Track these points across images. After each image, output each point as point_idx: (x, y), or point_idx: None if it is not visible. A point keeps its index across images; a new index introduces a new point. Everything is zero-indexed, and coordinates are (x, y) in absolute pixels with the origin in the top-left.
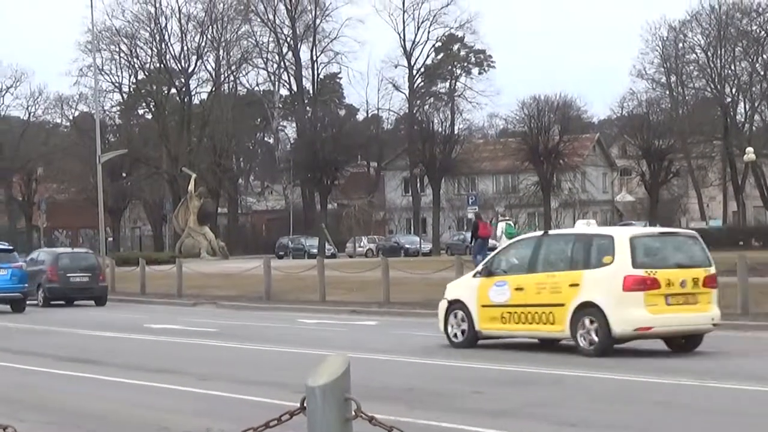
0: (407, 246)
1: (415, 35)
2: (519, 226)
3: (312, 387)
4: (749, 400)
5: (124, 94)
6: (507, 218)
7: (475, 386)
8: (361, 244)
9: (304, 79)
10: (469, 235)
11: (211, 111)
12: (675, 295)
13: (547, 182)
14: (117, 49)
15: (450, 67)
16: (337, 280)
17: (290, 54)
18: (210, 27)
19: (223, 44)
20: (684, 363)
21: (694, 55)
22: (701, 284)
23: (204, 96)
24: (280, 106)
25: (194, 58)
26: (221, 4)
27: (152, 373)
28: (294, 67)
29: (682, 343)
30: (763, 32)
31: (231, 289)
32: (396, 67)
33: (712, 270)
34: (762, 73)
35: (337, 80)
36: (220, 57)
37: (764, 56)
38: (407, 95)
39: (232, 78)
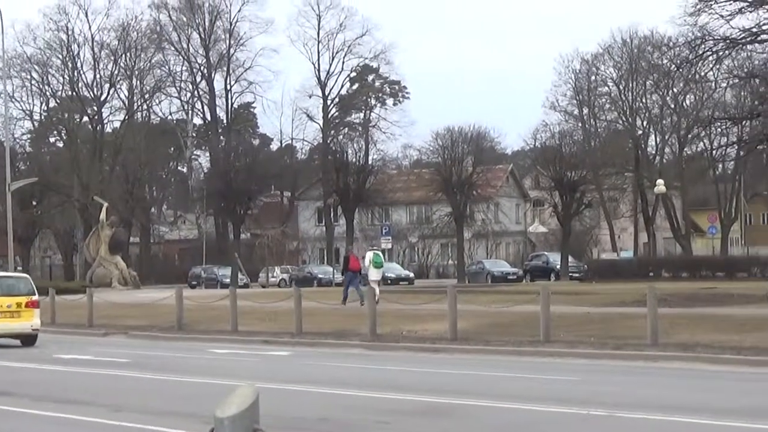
0: (320, 276)
1: (330, 65)
2: (432, 257)
3: (221, 418)
4: (651, 429)
5: (35, 122)
6: (375, 248)
7: (384, 416)
8: (274, 274)
9: (217, 109)
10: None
11: (124, 139)
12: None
13: (460, 213)
14: (28, 77)
15: (364, 97)
16: (250, 310)
17: (204, 83)
18: (123, 55)
19: (137, 73)
20: (590, 393)
21: (607, 88)
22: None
23: (117, 124)
24: (194, 135)
25: (107, 86)
26: (134, 33)
27: (62, 404)
28: (208, 96)
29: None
30: (673, 66)
31: (143, 319)
32: (310, 97)
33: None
34: (672, 106)
35: (251, 110)
36: (134, 85)
37: (674, 89)
38: (321, 125)
39: (145, 106)
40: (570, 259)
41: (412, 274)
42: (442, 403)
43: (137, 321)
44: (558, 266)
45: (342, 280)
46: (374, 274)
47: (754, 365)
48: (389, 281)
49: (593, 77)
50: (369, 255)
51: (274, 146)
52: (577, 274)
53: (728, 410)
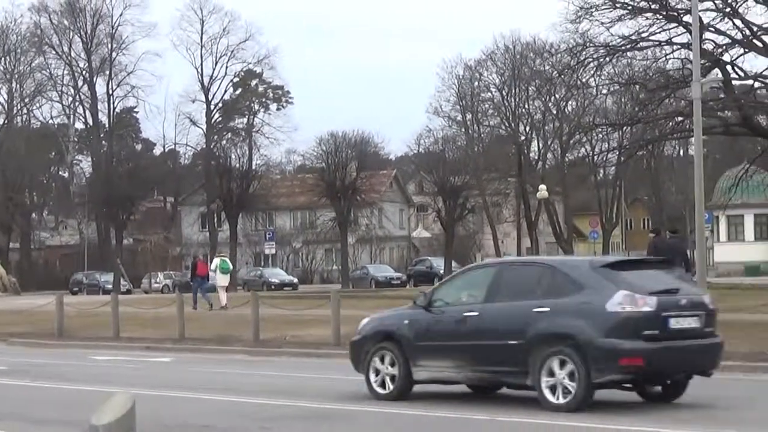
0: None
1: (213, 70)
2: (317, 262)
3: (95, 426)
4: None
5: None
6: (222, 254)
7: (268, 422)
8: (157, 279)
9: (99, 113)
10: (263, 270)
11: (3, 144)
12: None
13: (344, 218)
14: None
15: (248, 102)
16: (132, 317)
17: (86, 87)
18: (2, 59)
19: (16, 76)
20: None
21: (490, 94)
22: None
23: None
24: (76, 139)
25: None
26: (14, 36)
27: None
28: (90, 101)
29: None
30: (555, 72)
31: (22, 325)
32: (193, 102)
33: None
34: (554, 112)
35: (134, 114)
36: (13, 89)
37: (557, 96)
38: (205, 130)
39: (25, 111)
40: (453, 263)
41: (296, 280)
42: (325, 408)
43: (17, 328)
44: (441, 271)
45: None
46: (221, 280)
47: None
48: (273, 287)
49: (476, 83)
50: (216, 261)
51: (157, 151)
52: None
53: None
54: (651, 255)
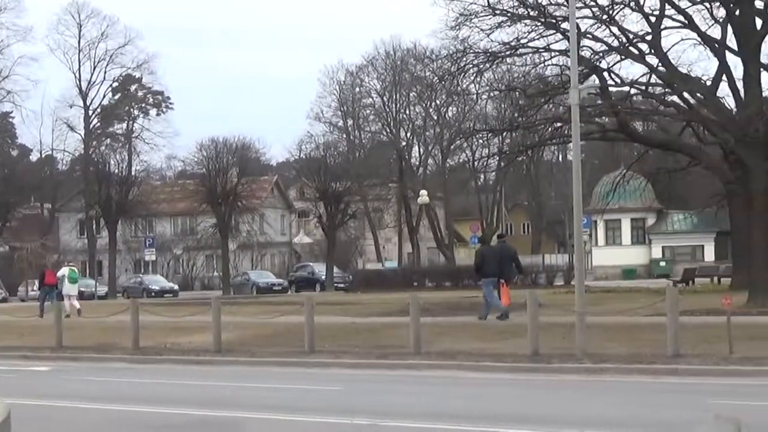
0: (82, 289)
1: (92, 75)
2: (197, 269)
3: None
4: None
5: None
6: (71, 264)
7: (144, 430)
8: (34, 287)
9: None
10: (143, 277)
11: None
12: None
13: (225, 224)
14: None
15: (127, 107)
16: (8, 325)
17: None
18: None
19: None
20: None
21: (371, 99)
22: None
23: None
24: None
25: None
26: None
27: None
28: None
29: None
30: (435, 78)
31: None
32: (71, 107)
33: None
34: (435, 117)
35: (10, 120)
36: None
37: (437, 101)
38: (83, 136)
39: None
40: (335, 269)
41: (176, 287)
42: (210, 416)
43: None
44: (323, 277)
45: (38, 296)
46: (70, 290)
47: (512, 372)
48: (153, 294)
49: (357, 89)
50: (64, 270)
51: (34, 157)
52: (342, 285)
53: (485, 416)
54: (477, 263)
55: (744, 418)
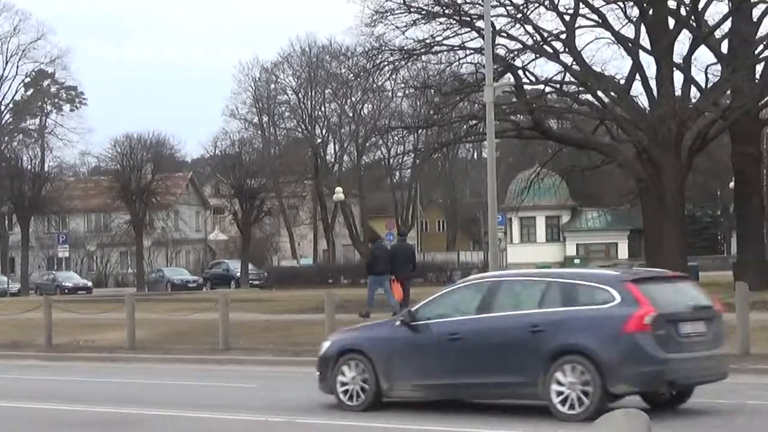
0: None
1: (3, 70)
2: (111, 265)
3: None
4: None
5: None
6: None
7: (66, 429)
8: None
9: None
10: (56, 274)
11: None
12: None
13: (139, 221)
14: None
15: (40, 103)
16: None
17: None
18: None
19: None
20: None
21: (286, 96)
22: None
23: None
24: None
25: None
26: None
27: None
28: None
29: None
30: (351, 75)
31: None
32: None
33: None
34: (350, 114)
35: None
36: None
37: (353, 98)
38: None
39: None
40: (250, 266)
41: (90, 283)
42: (125, 413)
43: None
44: (238, 274)
45: None
46: None
47: None
48: (66, 291)
49: (273, 85)
50: None
51: None
52: (257, 282)
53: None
54: (369, 261)
55: (653, 414)
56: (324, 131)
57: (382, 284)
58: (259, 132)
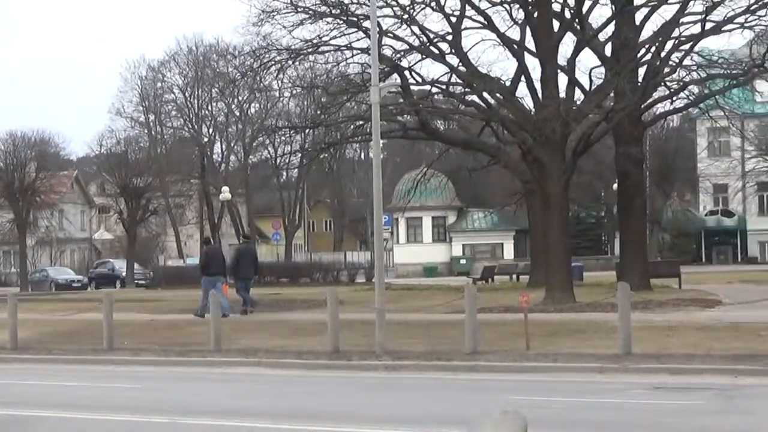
0: None
1: None
2: None
3: None
4: None
5: None
6: None
7: None
8: None
9: None
10: None
11: None
12: None
13: (22, 219)
14: None
15: None
16: None
17: None
18: None
19: None
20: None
21: (173, 95)
22: None
23: None
24: None
25: None
26: None
27: None
28: None
29: None
30: (238, 74)
31: None
32: None
33: None
34: (237, 114)
35: None
36: None
37: (239, 98)
38: None
39: None
40: (136, 266)
41: None
42: (6, 414)
43: None
44: (124, 273)
45: None
46: None
47: (313, 369)
48: None
49: (159, 84)
50: None
51: None
52: (143, 281)
53: (283, 413)
54: (203, 262)
55: (538, 414)
56: (211, 130)
57: (215, 285)
58: (146, 130)
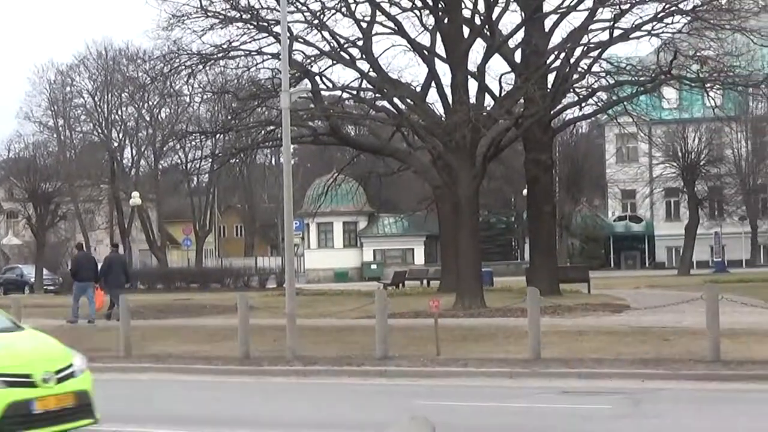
0: None
1: None
2: None
3: None
4: None
5: None
6: None
7: None
8: None
9: None
10: None
11: None
12: None
13: None
14: None
15: None
16: None
17: None
18: None
19: None
20: None
21: (82, 99)
22: None
23: None
24: None
25: None
26: None
27: None
28: None
29: None
30: (148, 78)
31: None
32: None
33: None
34: (148, 118)
35: None
36: None
37: (150, 102)
38: None
39: None
40: (45, 271)
41: None
42: None
43: None
44: (32, 279)
45: None
46: None
47: (223, 374)
48: None
49: (68, 88)
50: None
51: None
52: (52, 287)
53: (191, 419)
54: (73, 269)
55: (447, 419)
56: (121, 135)
57: (86, 291)
58: (55, 135)
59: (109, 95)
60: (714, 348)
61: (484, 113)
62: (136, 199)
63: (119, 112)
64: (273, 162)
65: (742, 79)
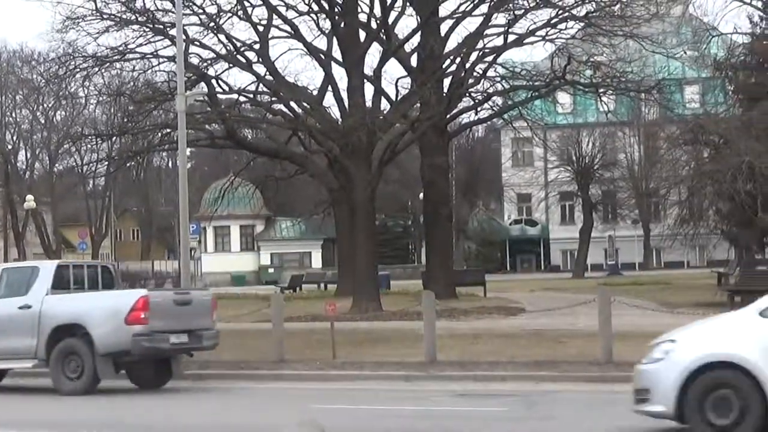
0: None
1: None
2: None
3: None
4: None
5: None
6: None
7: None
8: None
9: None
10: None
11: None
12: None
13: None
14: None
15: None
16: None
17: None
18: None
19: None
20: None
21: None
22: None
23: None
24: None
25: None
26: None
27: None
28: None
29: None
30: (43, 81)
31: None
32: None
33: None
34: (43, 121)
35: None
36: None
37: (45, 105)
38: None
39: None
40: None
41: None
42: None
43: None
44: None
45: None
46: None
47: (117, 379)
48: None
49: None
50: None
51: None
52: None
53: (64, 424)
54: None
55: (343, 422)
56: (15, 137)
57: None
58: None
59: (3, 97)
60: (606, 350)
61: (380, 117)
62: (30, 202)
63: (13, 115)
64: (169, 165)
65: (634, 85)
